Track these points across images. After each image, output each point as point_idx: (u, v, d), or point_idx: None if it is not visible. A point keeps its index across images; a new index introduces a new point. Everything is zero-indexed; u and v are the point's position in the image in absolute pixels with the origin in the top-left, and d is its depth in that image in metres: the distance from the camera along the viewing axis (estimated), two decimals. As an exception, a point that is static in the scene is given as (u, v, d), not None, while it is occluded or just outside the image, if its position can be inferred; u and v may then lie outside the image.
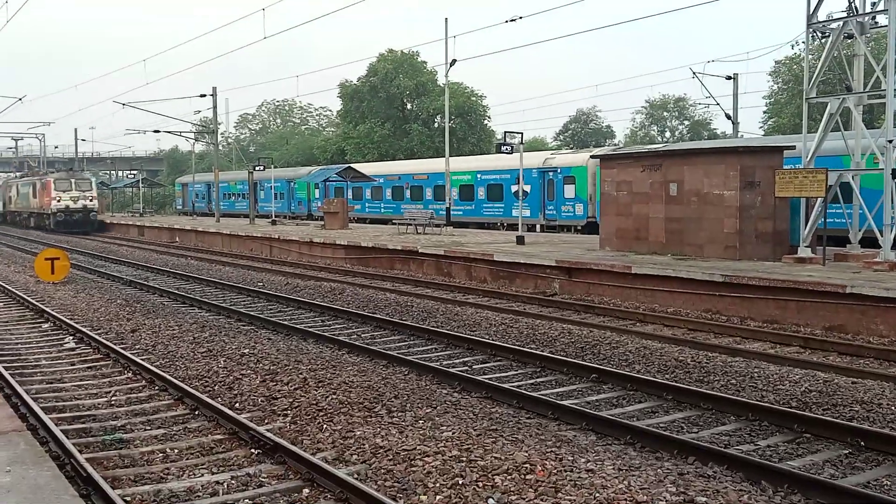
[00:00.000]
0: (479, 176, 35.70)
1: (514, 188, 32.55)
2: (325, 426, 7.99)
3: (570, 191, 30.92)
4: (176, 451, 7.55)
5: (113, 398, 9.48)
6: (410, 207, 34.84)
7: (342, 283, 20.50)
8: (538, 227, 32.25)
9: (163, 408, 9.08)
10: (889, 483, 6.68)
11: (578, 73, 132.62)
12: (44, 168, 61.70)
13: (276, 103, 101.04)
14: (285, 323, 14.34)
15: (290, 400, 8.95)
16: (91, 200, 48.73)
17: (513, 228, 31.46)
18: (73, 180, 48.60)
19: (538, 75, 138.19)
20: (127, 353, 11.44)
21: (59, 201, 47.66)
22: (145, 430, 8.23)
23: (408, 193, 39.72)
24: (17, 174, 66.18)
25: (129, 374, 10.68)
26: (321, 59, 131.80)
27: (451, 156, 35.19)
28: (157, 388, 9.85)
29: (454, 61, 33.01)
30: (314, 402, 8.76)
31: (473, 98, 61.26)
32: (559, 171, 31.51)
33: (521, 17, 28.93)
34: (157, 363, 11.02)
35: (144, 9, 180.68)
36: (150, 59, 80.00)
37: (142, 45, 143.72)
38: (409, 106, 63.29)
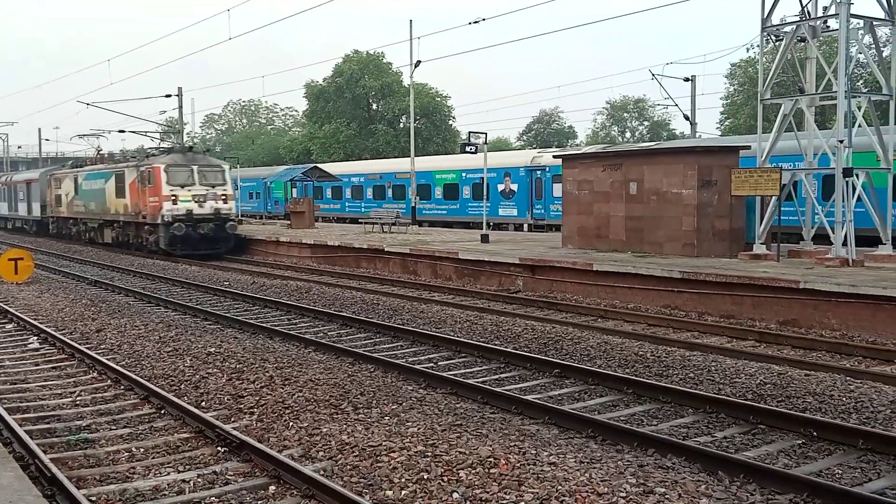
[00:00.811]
0: (464, 174, 34.55)
1: (500, 187, 32.09)
2: (291, 424, 8.00)
3: (559, 189, 29.73)
4: (142, 450, 7.52)
5: (78, 398, 9.41)
6: (393, 207, 33.83)
7: (308, 281, 20.47)
8: (526, 226, 31.47)
9: (128, 407, 9.03)
10: (840, 472, 6.86)
11: (541, 75, 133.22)
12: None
13: (242, 103, 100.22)
14: (252, 322, 14.31)
15: (257, 398, 8.95)
16: (225, 202, 29.38)
17: (500, 228, 30.76)
18: (195, 168, 29.11)
19: (501, 76, 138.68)
20: (92, 353, 11.34)
21: (174, 203, 28.28)
22: (111, 429, 8.18)
23: (389, 193, 38.88)
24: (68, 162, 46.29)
25: (95, 374, 10.60)
26: (287, 60, 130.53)
27: (416, 156, 35.06)
28: (122, 387, 9.79)
29: (419, 62, 33.15)
30: (280, 400, 8.77)
31: (438, 98, 61.49)
32: (548, 169, 30.55)
33: (483, 19, 29.22)
34: (123, 363, 10.92)
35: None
36: (114, 59, 78.44)
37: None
38: (374, 106, 63.23)
